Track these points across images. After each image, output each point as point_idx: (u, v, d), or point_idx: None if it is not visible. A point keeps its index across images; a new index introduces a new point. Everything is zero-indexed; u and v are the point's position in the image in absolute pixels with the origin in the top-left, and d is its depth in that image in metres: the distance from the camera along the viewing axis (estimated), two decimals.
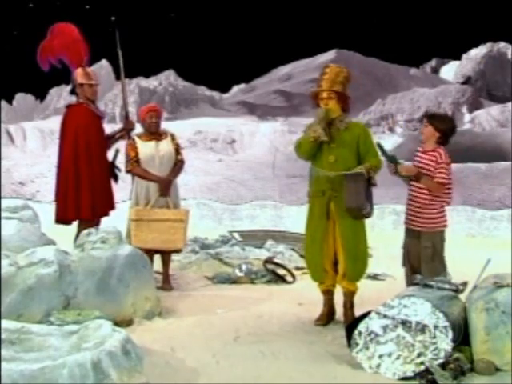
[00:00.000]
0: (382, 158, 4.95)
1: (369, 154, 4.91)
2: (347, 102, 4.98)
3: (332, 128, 4.89)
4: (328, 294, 5.01)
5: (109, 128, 6.54)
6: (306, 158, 5.00)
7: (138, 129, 6.42)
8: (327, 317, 4.95)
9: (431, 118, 4.91)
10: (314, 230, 4.92)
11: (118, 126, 7.98)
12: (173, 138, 6.30)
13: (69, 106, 6.38)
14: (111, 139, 6.44)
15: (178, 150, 6.26)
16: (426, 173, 4.73)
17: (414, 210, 4.77)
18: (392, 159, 4.86)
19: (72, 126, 6.12)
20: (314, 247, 4.91)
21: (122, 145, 6.38)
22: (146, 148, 6.14)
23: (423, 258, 4.70)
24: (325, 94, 4.91)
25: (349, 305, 4.94)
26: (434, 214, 4.73)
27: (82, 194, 5.98)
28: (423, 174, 4.71)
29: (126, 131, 6.41)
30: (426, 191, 4.73)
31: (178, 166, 6.23)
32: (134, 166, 6.11)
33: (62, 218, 6.13)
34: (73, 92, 6.30)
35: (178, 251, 6.43)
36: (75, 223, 6.15)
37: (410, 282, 4.52)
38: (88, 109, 6.18)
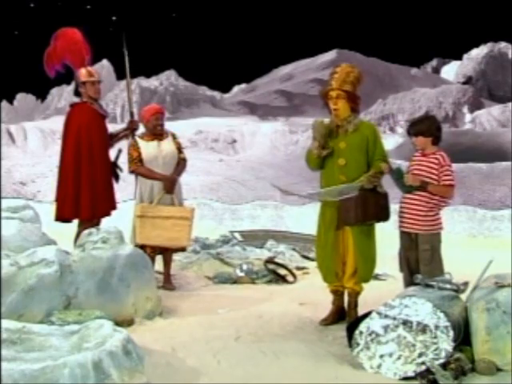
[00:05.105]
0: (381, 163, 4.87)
1: (375, 155, 4.86)
2: (357, 102, 4.89)
3: (340, 130, 4.83)
4: (336, 294, 5.01)
5: (110, 128, 6.53)
6: (316, 170, 4.94)
7: (141, 129, 6.42)
8: (333, 316, 4.94)
9: (413, 128, 4.79)
10: (327, 231, 4.87)
11: (119, 125, 7.99)
12: (174, 137, 6.33)
13: (72, 105, 6.38)
14: (114, 138, 6.44)
15: (179, 148, 6.29)
16: (429, 176, 4.68)
17: (411, 213, 4.71)
18: (399, 173, 4.72)
19: (75, 125, 6.12)
20: (325, 250, 4.88)
21: (124, 145, 6.37)
22: (148, 148, 6.15)
23: (422, 260, 4.67)
24: (334, 94, 4.83)
25: (353, 305, 4.95)
26: (431, 216, 4.71)
27: (82, 193, 5.97)
28: (427, 181, 4.66)
29: (131, 131, 6.41)
30: (424, 194, 4.67)
31: (181, 164, 6.24)
32: (138, 165, 6.12)
33: (60, 217, 6.13)
34: (76, 93, 6.30)
35: (183, 249, 6.43)
36: (75, 222, 6.15)
37: (408, 286, 4.49)
38: (91, 108, 6.19)
